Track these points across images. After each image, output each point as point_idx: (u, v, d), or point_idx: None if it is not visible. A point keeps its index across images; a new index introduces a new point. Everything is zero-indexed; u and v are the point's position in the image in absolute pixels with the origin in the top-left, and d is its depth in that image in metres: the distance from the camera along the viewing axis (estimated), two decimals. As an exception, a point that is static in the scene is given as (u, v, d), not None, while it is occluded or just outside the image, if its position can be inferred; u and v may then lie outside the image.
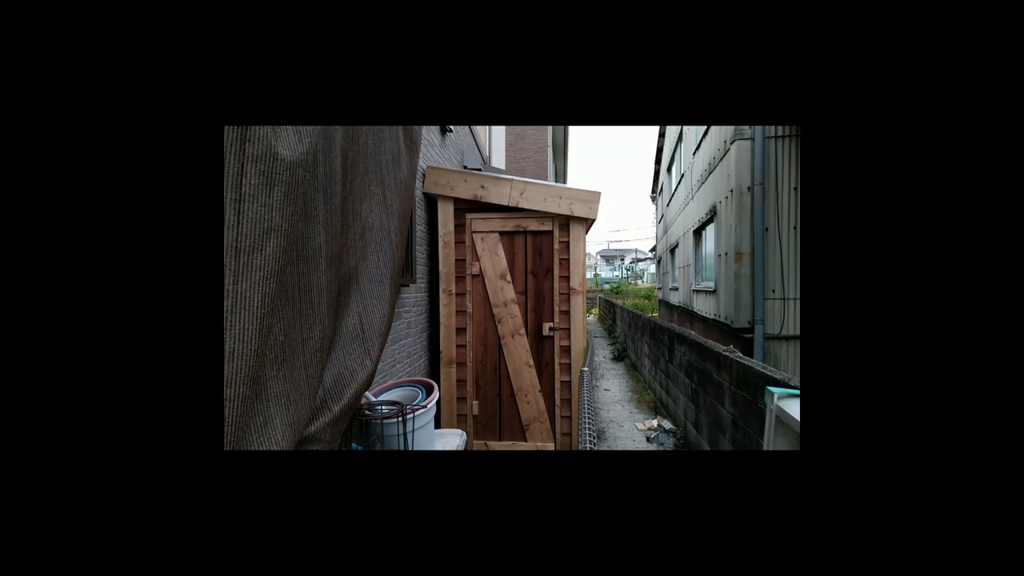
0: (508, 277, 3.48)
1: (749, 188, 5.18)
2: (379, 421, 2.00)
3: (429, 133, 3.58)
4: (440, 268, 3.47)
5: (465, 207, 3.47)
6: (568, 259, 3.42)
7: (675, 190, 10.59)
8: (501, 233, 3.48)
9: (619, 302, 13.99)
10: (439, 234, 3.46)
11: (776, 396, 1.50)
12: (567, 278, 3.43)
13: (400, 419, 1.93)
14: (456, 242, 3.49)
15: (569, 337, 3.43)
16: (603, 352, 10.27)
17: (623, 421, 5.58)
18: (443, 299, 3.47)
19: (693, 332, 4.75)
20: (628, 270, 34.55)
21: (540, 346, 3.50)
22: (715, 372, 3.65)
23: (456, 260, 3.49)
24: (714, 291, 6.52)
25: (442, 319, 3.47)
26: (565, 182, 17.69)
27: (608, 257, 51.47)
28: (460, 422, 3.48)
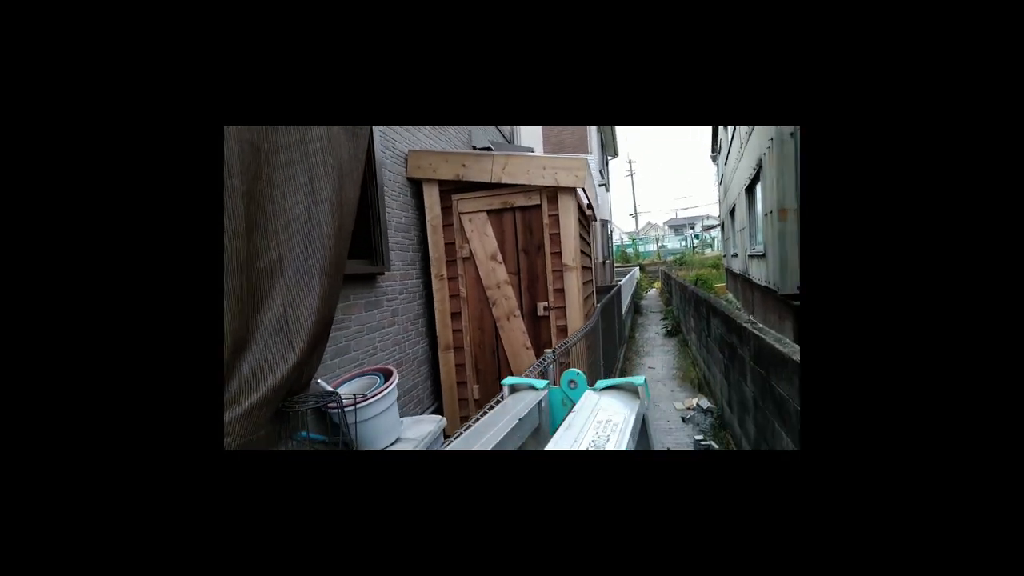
0: (499, 257, 3.35)
1: (792, 134, 4.51)
2: (336, 410, 2.01)
3: (412, 116, 3.51)
4: (430, 253, 3.42)
5: (450, 188, 3.38)
6: (559, 234, 3.21)
7: (730, 146, 9.62)
8: (489, 212, 3.34)
9: (677, 274, 13.16)
10: (426, 219, 3.40)
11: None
12: (559, 254, 3.22)
13: (340, 410, 1.92)
14: (444, 225, 3.41)
15: (565, 316, 3.24)
16: (655, 328, 9.77)
17: (661, 400, 5.27)
18: (435, 284, 3.43)
19: (723, 302, 4.30)
20: (697, 238, 32.38)
21: (536, 327, 3.34)
22: (739, 346, 3.29)
23: (446, 244, 3.42)
24: (763, 254, 5.87)
25: (436, 304, 3.44)
26: (615, 153, 16.83)
27: (676, 226, 48.75)
28: (462, 407, 3.45)
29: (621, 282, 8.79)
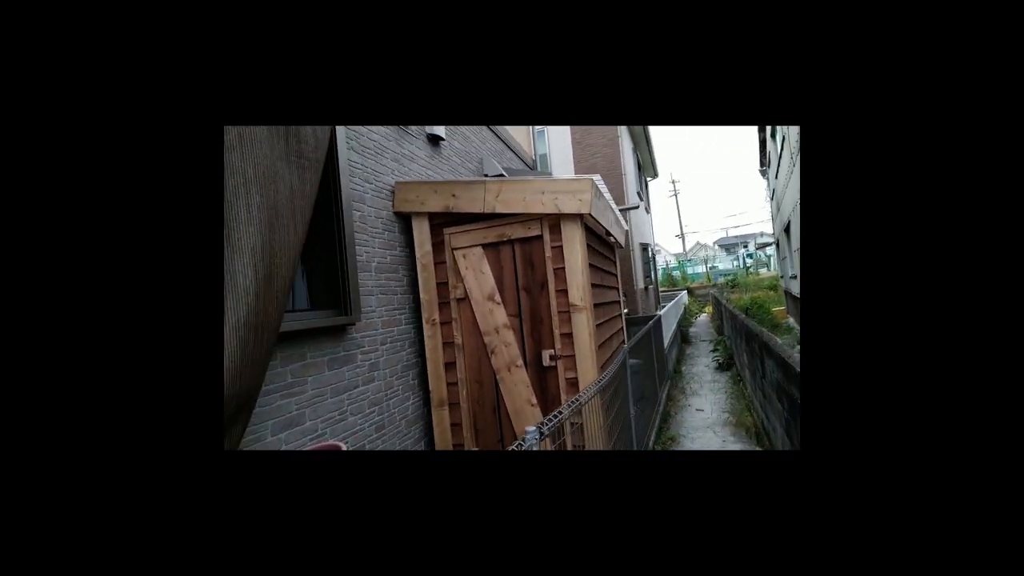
0: (497, 297, 2.89)
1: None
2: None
3: (410, 145, 3.19)
4: (421, 295, 3.02)
5: (441, 222, 2.99)
6: (564, 268, 2.71)
7: (779, 158, 8.78)
8: (485, 246, 2.91)
9: (728, 298, 12.09)
10: (416, 256, 3.02)
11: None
12: (565, 292, 2.72)
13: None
14: (436, 263, 3.01)
15: (575, 366, 2.70)
16: (705, 361, 8.84)
17: (711, 453, 4.47)
18: (427, 330, 3.01)
19: (777, 340, 3.57)
20: (750, 257, 30.35)
21: (543, 380, 2.82)
22: (799, 398, 2.61)
23: (438, 284, 3.01)
24: (827, 279, 5.04)
25: (428, 353, 3.01)
26: (655, 174, 16.14)
27: (727, 246, 46.42)
28: (461, 473, 2.95)
29: (662, 311, 8.05)
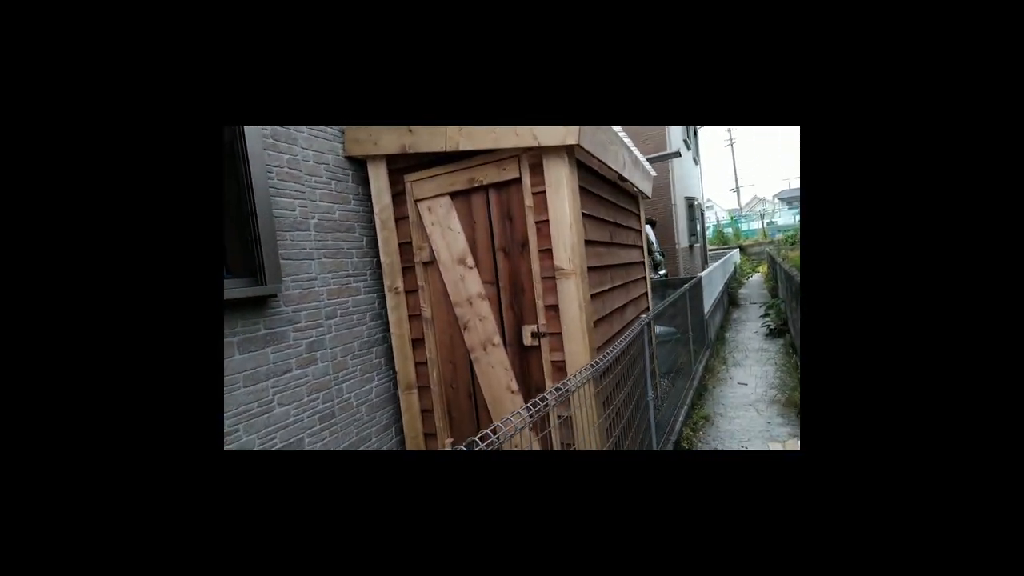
0: (469, 260, 2.32)
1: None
2: None
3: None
4: (381, 258, 2.50)
5: (402, 167, 2.41)
6: (548, 221, 2.08)
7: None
8: (453, 196, 2.32)
9: (786, 256, 10.81)
10: (374, 212, 2.48)
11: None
12: (549, 251, 2.10)
13: None
14: (397, 218, 2.46)
15: (562, 346, 2.11)
16: (754, 326, 7.92)
17: (752, 437, 3.85)
18: (390, 300, 2.50)
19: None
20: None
21: (524, 361, 2.26)
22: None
23: (400, 244, 2.47)
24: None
25: (392, 328, 2.52)
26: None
27: (790, 199, 42.60)
28: (435, 466, 2.52)
29: (705, 272, 7.16)
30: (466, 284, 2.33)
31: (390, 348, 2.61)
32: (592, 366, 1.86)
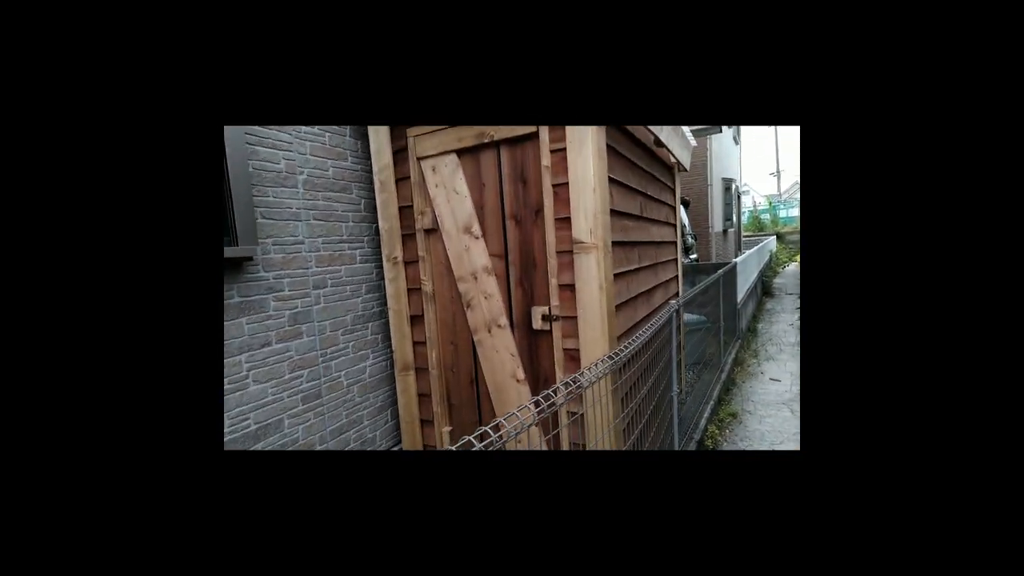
0: (476, 229, 2.02)
1: None
2: None
3: None
4: (379, 223, 2.23)
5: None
6: (567, 184, 1.76)
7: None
8: (460, 153, 2.01)
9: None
10: (373, 172, 2.20)
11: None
12: (568, 221, 1.78)
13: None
14: (398, 179, 2.18)
15: (577, 332, 1.81)
16: (789, 318, 7.41)
17: (785, 440, 3.52)
18: (388, 271, 2.25)
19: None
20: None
21: (533, 347, 1.98)
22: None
23: (401, 208, 2.19)
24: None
25: (389, 303, 2.26)
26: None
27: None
28: (432, 455, 2.29)
29: (740, 258, 6.68)
30: (471, 256, 2.04)
31: (388, 324, 2.36)
32: (611, 358, 1.57)
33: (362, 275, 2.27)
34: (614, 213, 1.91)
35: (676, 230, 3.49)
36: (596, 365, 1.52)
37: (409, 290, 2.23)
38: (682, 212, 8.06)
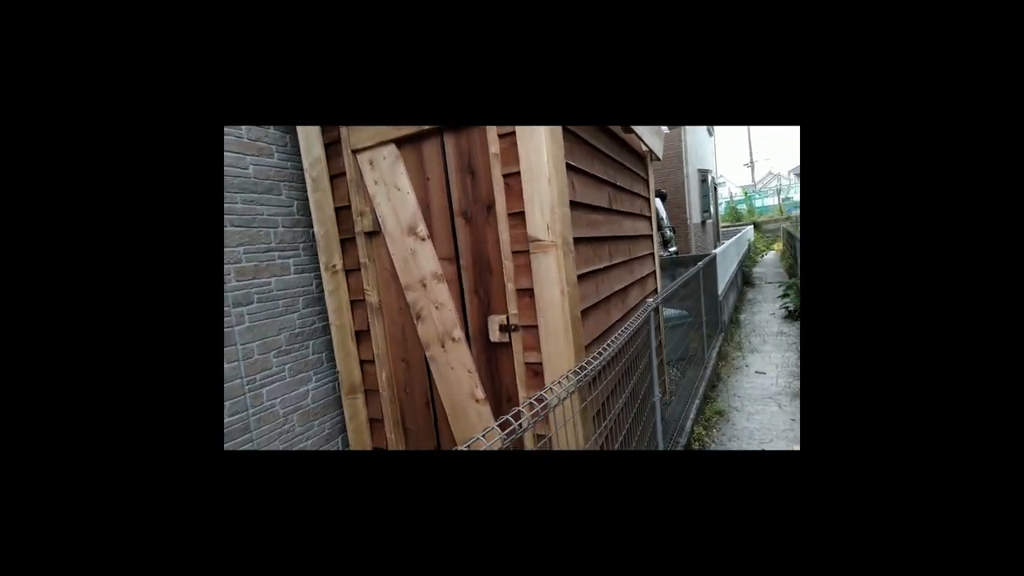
0: (422, 230, 1.77)
1: None
2: None
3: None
4: (314, 228, 1.96)
5: (336, 107, 1.85)
6: (519, 173, 1.52)
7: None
8: (399, 143, 1.76)
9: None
10: (304, 168, 1.93)
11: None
12: (522, 216, 1.54)
13: None
14: (333, 175, 1.91)
15: (539, 344, 1.58)
16: (771, 307, 7.33)
17: (775, 437, 3.36)
18: (327, 282, 1.98)
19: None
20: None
21: (493, 361, 1.73)
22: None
23: (338, 209, 1.93)
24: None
25: (331, 317, 1.99)
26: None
27: (805, 174, 40.94)
28: (388, 487, 2.03)
29: (720, 248, 6.56)
30: (418, 261, 1.79)
31: (332, 340, 2.09)
32: (578, 372, 1.34)
33: (298, 287, 1.99)
34: (577, 206, 1.68)
35: (652, 223, 3.29)
36: (561, 382, 1.29)
37: (352, 302, 1.97)
38: (659, 205, 7.93)
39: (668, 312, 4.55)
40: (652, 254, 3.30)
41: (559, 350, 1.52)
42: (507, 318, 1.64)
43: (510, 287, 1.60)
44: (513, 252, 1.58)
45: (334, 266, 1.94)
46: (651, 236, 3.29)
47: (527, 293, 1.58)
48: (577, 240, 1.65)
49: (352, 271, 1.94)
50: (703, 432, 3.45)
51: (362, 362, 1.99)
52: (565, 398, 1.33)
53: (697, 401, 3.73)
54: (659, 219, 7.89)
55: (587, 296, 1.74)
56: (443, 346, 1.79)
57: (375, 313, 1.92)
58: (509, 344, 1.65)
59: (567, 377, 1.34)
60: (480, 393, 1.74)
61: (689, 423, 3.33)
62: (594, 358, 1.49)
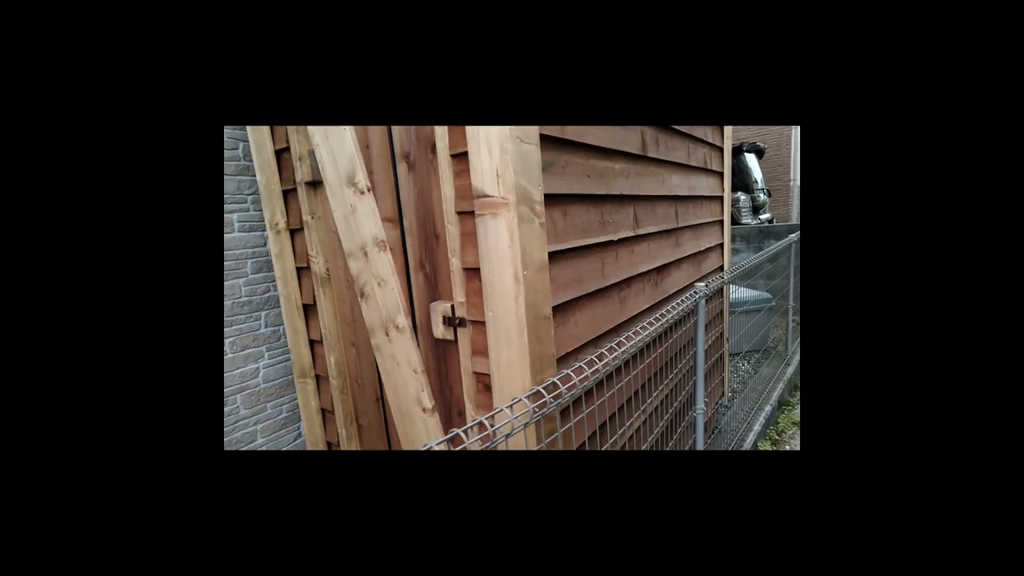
0: (361, 180, 1.32)
1: None
2: None
3: None
4: (257, 177, 1.60)
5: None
6: (462, 92, 0.99)
7: None
8: (336, 61, 1.30)
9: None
10: (243, 99, 1.56)
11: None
12: (464, 160, 1.03)
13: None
14: (272, 110, 1.52)
15: (486, 343, 1.09)
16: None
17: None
18: (272, 243, 1.63)
19: None
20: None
21: (443, 361, 1.29)
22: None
23: (278, 153, 1.54)
24: None
25: (278, 286, 1.66)
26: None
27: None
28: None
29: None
30: (358, 221, 1.36)
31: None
32: (541, 395, 0.88)
33: (245, 247, 1.68)
34: (566, 146, 1.12)
35: (723, 181, 2.54)
36: (512, 407, 0.88)
37: (299, 269, 1.61)
38: (753, 161, 6.70)
39: (743, 294, 3.74)
40: (720, 221, 2.57)
41: (511, 360, 1.03)
42: (452, 307, 1.17)
43: (455, 263, 1.12)
44: (459, 213, 1.09)
45: (277, 224, 1.58)
46: (721, 198, 2.55)
47: (473, 275, 1.09)
48: (566, 198, 1.11)
49: (297, 231, 1.58)
50: (771, 449, 2.77)
51: (311, 342, 1.65)
52: (518, 431, 0.89)
53: (768, 407, 3.01)
54: (751, 179, 6.68)
55: (578, 281, 1.20)
56: (387, 334, 1.38)
57: (322, 284, 1.55)
58: (453, 344, 1.19)
59: (523, 401, 0.88)
60: (427, 401, 1.31)
61: (752, 436, 2.67)
62: (575, 373, 0.98)
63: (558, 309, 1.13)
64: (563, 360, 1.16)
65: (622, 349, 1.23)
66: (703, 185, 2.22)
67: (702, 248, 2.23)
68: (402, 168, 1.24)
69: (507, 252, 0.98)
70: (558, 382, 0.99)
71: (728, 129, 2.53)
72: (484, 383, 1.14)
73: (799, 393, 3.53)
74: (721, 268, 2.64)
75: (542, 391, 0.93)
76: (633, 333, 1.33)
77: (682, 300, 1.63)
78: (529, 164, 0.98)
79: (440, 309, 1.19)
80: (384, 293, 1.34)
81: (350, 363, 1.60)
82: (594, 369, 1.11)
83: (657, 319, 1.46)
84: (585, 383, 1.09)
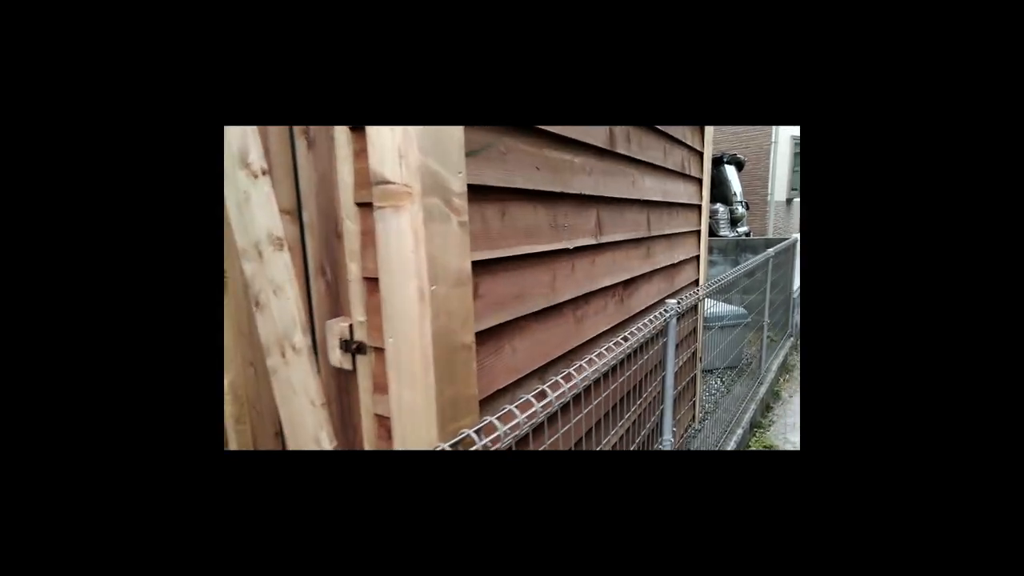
0: (256, 161, 1.05)
1: None
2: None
3: None
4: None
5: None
6: (358, 41, 0.74)
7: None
8: (225, 8, 1.03)
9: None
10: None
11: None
12: (364, 132, 0.78)
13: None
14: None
15: (386, 386, 0.83)
16: (861, 311, 5.97)
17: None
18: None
19: None
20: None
21: (345, 393, 1.02)
22: None
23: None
24: None
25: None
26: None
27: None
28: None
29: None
30: (252, 211, 1.08)
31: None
32: (453, 449, 0.63)
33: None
34: (503, 125, 0.88)
35: (701, 188, 2.34)
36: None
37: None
38: (732, 173, 6.62)
39: (719, 310, 3.59)
40: (697, 232, 2.37)
41: (414, 405, 0.78)
42: (350, 328, 0.90)
43: (354, 270, 0.86)
44: (358, 205, 0.83)
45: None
46: (699, 207, 2.36)
47: (372, 284, 0.83)
48: (506, 192, 0.87)
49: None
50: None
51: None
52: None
53: (740, 430, 2.84)
54: (730, 191, 6.61)
55: (519, 298, 0.96)
56: (283, 355, 1.10)
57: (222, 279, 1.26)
58: (351, 375, 0.93)
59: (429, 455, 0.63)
60: (327, 441, 1.04)
61: (722, 464, 2.47)
62: (504, 419, 0.73)
63: (489, 334, 0.88)
64: (493, 399, 0.91)
65: (571, 383, 0.99)
66: (680, 191, 2.01)
67: (676, 260, 2.02)
68: (301, 145, 0.97)
69: (410, 259, 0.72)
70: (476, 435, 0.73)
71: (709, 132, 2.34)
72: (387, 427, 0.88)
73: (771, 412, 3.38)
74: (696, 282, 2.45)
75: (457, 443, 0.68)
76: (587, 362, 1.09)
77: (651, 320, 1.40)
78: (444, 142, 0.73)
79: (337, 330, 0.92)
80: (280, 303, 1.07)
81: (248, 386, 1.31)
82: (530, 412, 0.87)
83: (619, 342, 1.22)
84: (518, 431, 0.84)
